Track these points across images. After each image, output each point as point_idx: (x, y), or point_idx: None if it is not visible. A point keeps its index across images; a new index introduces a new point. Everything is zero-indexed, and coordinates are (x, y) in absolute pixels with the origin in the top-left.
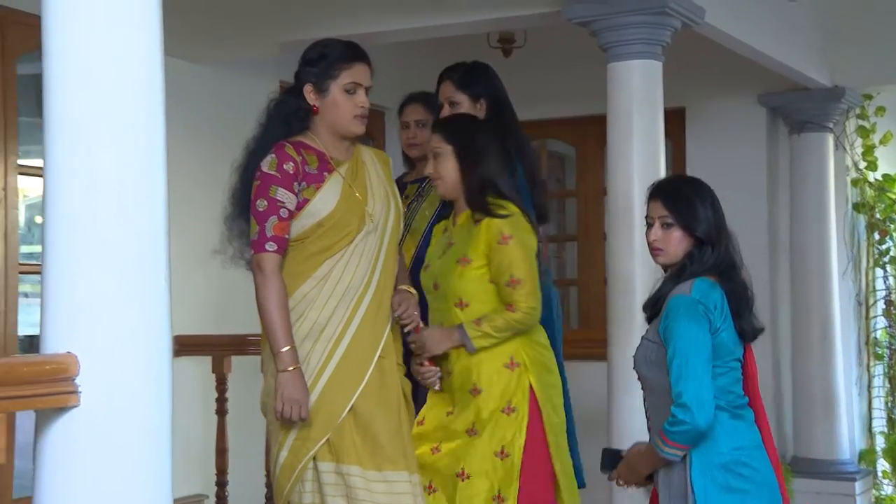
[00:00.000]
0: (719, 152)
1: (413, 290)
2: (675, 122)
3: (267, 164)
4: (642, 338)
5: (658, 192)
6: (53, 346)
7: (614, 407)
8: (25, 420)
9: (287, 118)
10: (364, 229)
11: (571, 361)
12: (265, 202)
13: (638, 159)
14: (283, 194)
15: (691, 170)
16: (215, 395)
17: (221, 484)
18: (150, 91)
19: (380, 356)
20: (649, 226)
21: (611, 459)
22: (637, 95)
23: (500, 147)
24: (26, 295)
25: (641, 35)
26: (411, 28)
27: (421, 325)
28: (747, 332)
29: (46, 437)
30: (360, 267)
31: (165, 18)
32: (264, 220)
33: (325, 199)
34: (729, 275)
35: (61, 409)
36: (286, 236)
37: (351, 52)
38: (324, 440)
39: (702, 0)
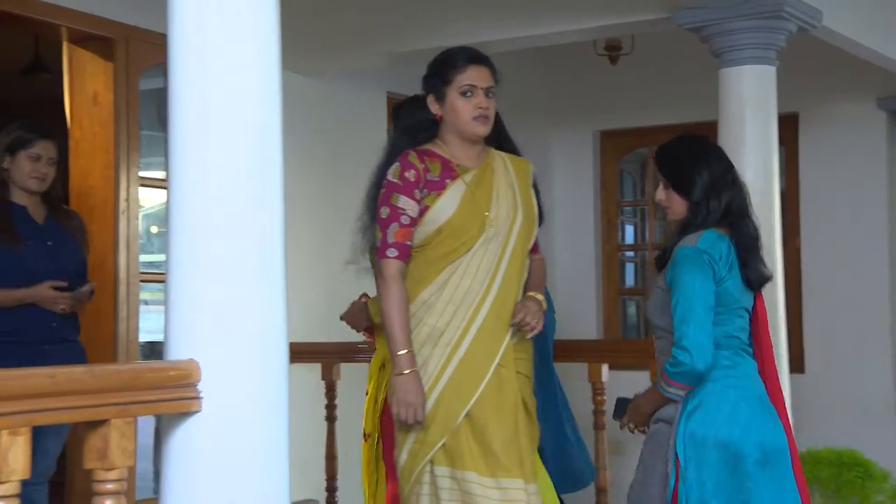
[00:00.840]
0: (835, 158)
1: (540, 297)
2: (788, 128)
3: (391, 173)
4: (653, 285)
5: (656, 156)
6: (176, 352)
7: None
8: (144, 423)
9: (412, 130)
10: (483, 236)
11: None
12: (388, 209)
13: (750, 167)
14: (404, 202)
15: (805, 177)
16: (325, 401)
17: (331, 489)
18: (268, 105)
19: (498, 364)
20: (656, 187)
21: (621, 407)
22: (750, 101)
23: None
24: (146, 302)
25: (755, 40)
26: (520, 37)
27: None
28: (754, 281)
29: (171, 441)
30: (479, 274)
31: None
32: (386, 226)
33: (445, 206)
34: (738, 225)
35: (184, 414)
36: (408, 243)
37: (464, 56)
38: (440, 444)
39: (818, 2)
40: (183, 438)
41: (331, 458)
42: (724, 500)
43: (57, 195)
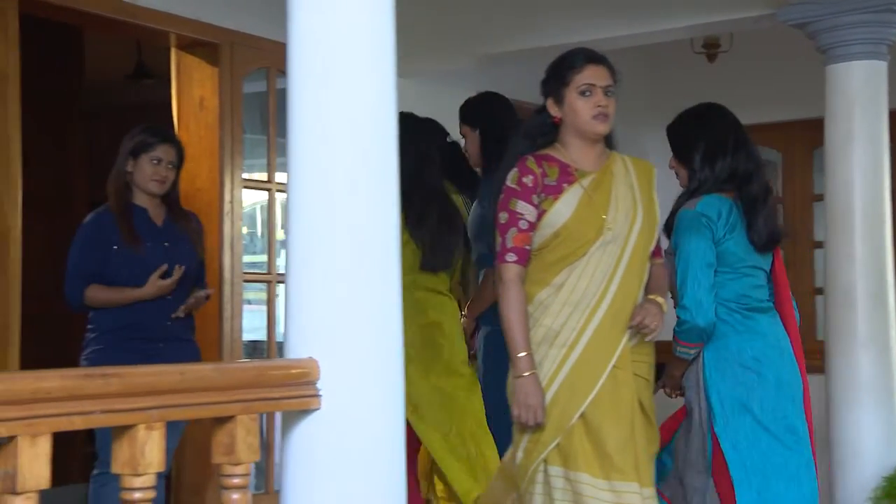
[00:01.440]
0: None
1: (661, 301)
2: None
3: (510, 178)
4: (665, 252)
5: (667, 130)
6: (295, 351)
7: (837, 423)
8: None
9: (531, 134)
10: (601, 239)
11: None
12: (506, 214)
13: (859, 164)
14: (522, 206)
15: None
16: None
17: None
18: (385, 109)
19: (615, 366)
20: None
21: (661, 373)
22: (859, 97)
23: None
24: (248, 302)
25: (864, 35)
26: (618, 36)
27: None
28: (756, 241)
29: (291, 438)
30: (597, 276)
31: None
32: (505, 231)
33: (561, 210)
34: (743, 188)
35: (304, 412)
36: (527, 247)
37: (580, 56)
38: (553, 444)
39: None
40: (303, 435)
41: None
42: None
43: (176, 197)
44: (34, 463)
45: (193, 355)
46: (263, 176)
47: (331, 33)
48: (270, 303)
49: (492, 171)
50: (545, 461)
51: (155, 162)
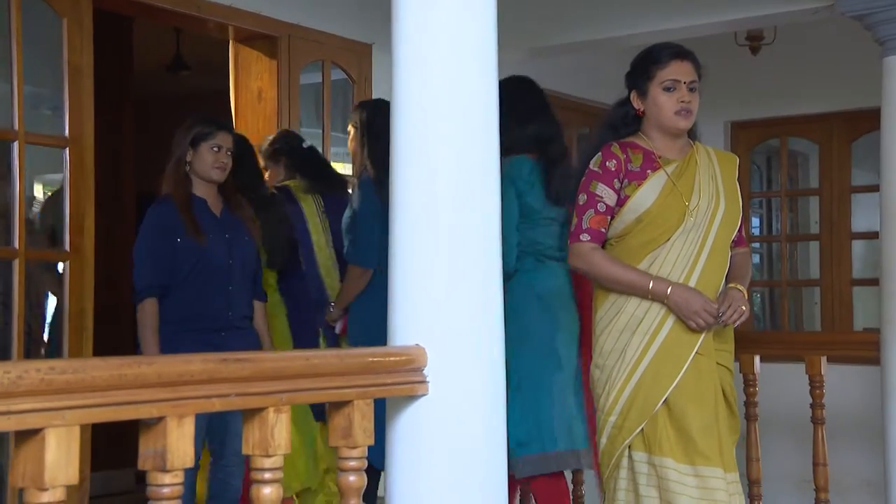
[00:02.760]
0: None
1: (742, 288)
2: None
3: (593, 163)
4: None
5: None
6: (402, 338)
7: (891, 413)
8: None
9: (614, 124)
10: (683, 226)
11: (841, 365)
12: (585, 196)
13: None
14: (602, 189)
15: None
16: None
17: None
18: (486, 99)
19: (697, 353)
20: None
21: None
22: None
23: None
24: None
25: None
26: (668, 29)
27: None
28: (553, 196)
29: (398, 423)
30: (679, 262)
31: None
32: (583, 212)
33: (645, 196)
34: (544, 150)
35: (411, 398)
36: (602, 230)
37: (665, 52)
38: (638, 430)
39: None
40: (410, 420)
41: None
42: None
43: (232, 186)
44: (181, 442)
45: (252, 342)
46: None
47: (433, 34)
48: None
49: (377, 173)
50: (629, 447)
51: (215, 149)
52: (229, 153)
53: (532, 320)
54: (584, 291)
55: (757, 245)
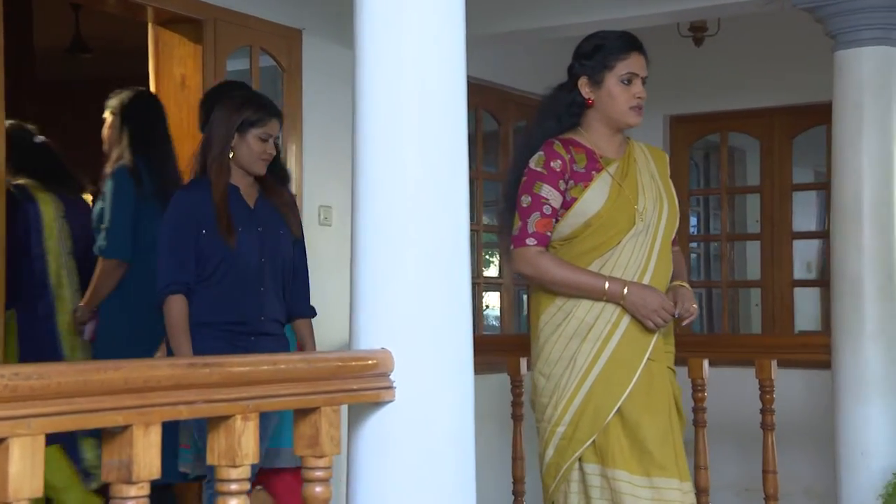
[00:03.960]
0: None
1: (687, 285)
2: None
3: (535, 161)
4: None
5: None
6: (367, 342)
7: (843, 420)
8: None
9: (558, 113)
10: (633, 229)
11: (745, 368)
12: (529, 198)
13: (868, 153)
14: (548, 191)
15: None
16: (510, 398)
17: (518, 493)
18: (454, 95)
19: (649, 359)
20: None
21: None
22: (869, 85)
23: None
24: None
25: (877, 20)
26: (614, 19)
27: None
28: None
29: (362, 430)
30: (630, 267)
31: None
32: (527, 215)
33: (593, 199)
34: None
35: (377, 404)
36: (548, 233)
37: (627, 43)
38: (590, 442)
39: None
40: (375, 427)
41: (517, 458)
42: None
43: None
44: (147, 452)
45: (284, 348)
46: None
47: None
48: None
49: (135, 161)
50: (580, 459)
51: (264, 139)
52: (277, 142)
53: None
54: None
55: (695, 245)
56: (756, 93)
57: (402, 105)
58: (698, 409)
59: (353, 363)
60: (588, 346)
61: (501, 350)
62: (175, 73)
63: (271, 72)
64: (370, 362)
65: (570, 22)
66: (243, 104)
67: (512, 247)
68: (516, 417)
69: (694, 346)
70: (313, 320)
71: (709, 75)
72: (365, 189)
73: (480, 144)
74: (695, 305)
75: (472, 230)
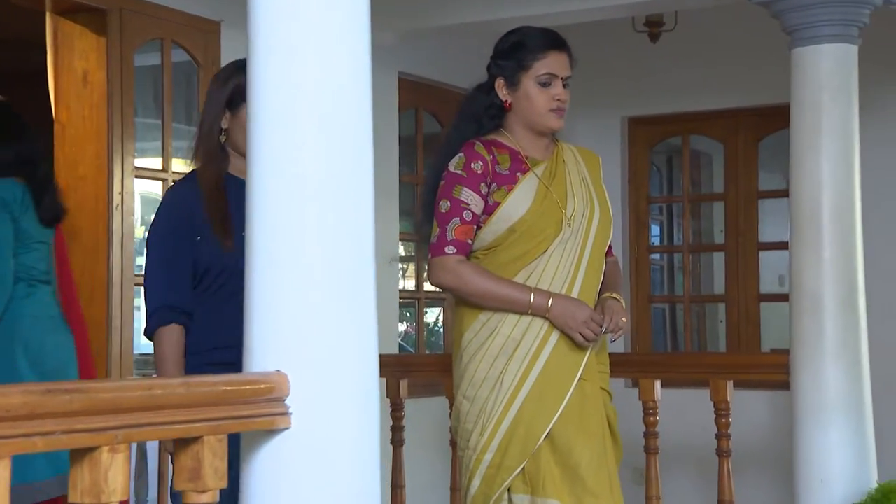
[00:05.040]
0: None
1: (619, 297)
2: None
3: (454, 164)
4: None
5: None
6: (260, 364)
7: (802, 444)
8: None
9: (477, 116)
10: (561, 235)
11: (701, 389)
12: (448, 203)
13: (829, 159)
14: (468, 195)
15: (865, 172)
16: (390, 422)
17: None
18: (357, 91)
19: (581, 378)
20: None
21: None
22: (828, 85)
23: None
24: (139, 309)
25: (835, 15)
26: (558, 12)
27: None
28: (46, 218)
29: (255, 461)
30: (558, 277)
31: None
32: (446, 222)
33: (518, 203)
34: (30, 172)
35: (270, 432)
36: (468, 241)
37: (543, 40)
38: (519, 469)
39: None
40: (269, 457)
41: (397, 487)
42: None
43: None
44: None
45: None
46: (158, 163)
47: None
48: None
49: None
50: (509, 489)
51: None
52: None
53: (28, 346)
54: (76, 315)
55: (657, 256)
56: (719, 93)
57: (300, 104)
58: (650, 435)
59: (243, 387)
60: (515, 364)
61: (441, 371)
62: (76, 68)
63: (185, 67)
64: (263, 386)
65: (516, 15)
66: (233, 73)
67: (429, 256)
68: (455, 444)
69: (644, 365)
70: None
71: (668, 74)
72: (258, 196)
73: (421, 147)
74: (625, 320)
75: (412, 241)
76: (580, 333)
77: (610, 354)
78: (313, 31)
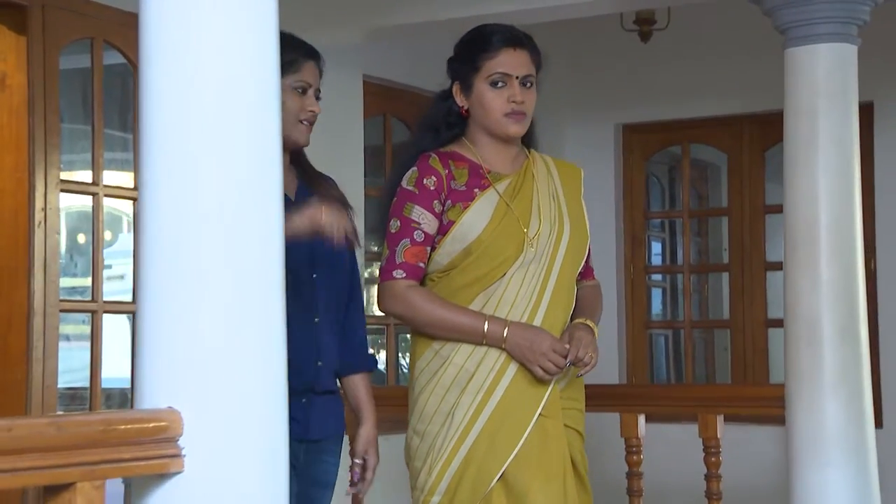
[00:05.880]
0: None
1: (591, 324)
2: (861, 120)
3: (406, 179)
4: None
5: None
6: (151, 400)
7: (799, 484)
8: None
9: (436, 125)
10: (522, 257)
11: (741, 424)
12: (398, 222)
13: (824, 169)
14: (419, 213)
15: (882, 182)
16: None
17: None
18: (264, 96)
19: (542, 414)
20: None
21: None
22: (825, 88)
23: None
24: (67, 338)
25: (832, 12)
26: (534, 9)
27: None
28: None
29: None
30: (518, 303)
31: None
32: (395, 243)
33: (474, 222)
34: None
35: (162, 476)
36: (420, 264)
37: (495, 36)
38: None
39: None
40: None
41: None
42: None
43: (304, 153)
44: None
45: (340, 419)
46: (87, 176)
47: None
48: (96, 338)
49: None
50: None
51: (299, 90)
52: (319, 95)
53: None
54: None
55: (659, 277)
56: (720, 97)
57: (197, 109)
58: (633, 475)
59: (126, 427)
60: (468, 397)
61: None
62: None
63: (120, 70)
64: (151, 425)
65: (491, 12)
66: None
67: (379, 280)
68: None
69: (626, 398)
70: None
71: (663, 77)
72: (148, 211)
73: (389, 157)
74: (592, 354)
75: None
76: (540, 366)
77: (587, 386)
78: (212, 26)
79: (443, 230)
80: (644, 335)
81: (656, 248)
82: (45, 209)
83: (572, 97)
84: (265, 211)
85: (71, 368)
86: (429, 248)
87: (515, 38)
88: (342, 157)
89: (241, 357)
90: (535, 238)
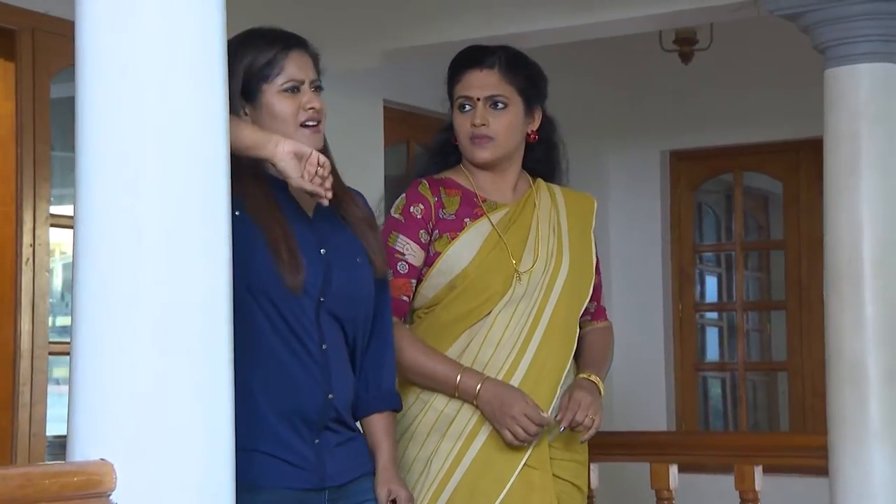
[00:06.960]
0: None
1: (596, 380)
2: None
3: (394, 207)
4: None
5: None
6: (83, 451)
7: None
8: None
9: (431, 152)
10: (510, 293)
11: (782, 475)
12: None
13: (867, 199)
14: (403, 244)
15: None
16: None
17: None
18: (211, 112)
19: (527, 465)
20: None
21: None
22: (867, 110)
23: None
24: (58, 382)
25: (875, 30)
26: (556, 29)
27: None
28: None
29: None
30: (505, 343)
31: (253, 21)
32: None
33: (460, 253)
34: None
35: None
36: (404, 297)
37: (460, 59)
38: None
39: None
40: None
41: None
42: None
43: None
44: None
45: (364, 460)
46: None
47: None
48: None
49: None
50: None
51: (290, 90)
52: (316, 87)
53: None
54: None
55: (714, 315)
56: (773, 122)
57: (135, 128)
58: None
59: (49, 481)
60: (447, 444)
61: None
62: None
63: None
64: (77, 479)
65: (509, 32)
66: (234, 55)
67: None
68: None
69: (656, 447)
70: None
71: (710, 100)
72: (84, 238)
73: None
74: (593, 416)
75: None
76: (509, 430)
77: (613, 433)
78: (153, 40)
79: (429, 262)
80: (694, 378)
81: (711, 283)
82: (33, 245)
83: (613, 123)
84: (210, 240)
85: (61, 415)
86: (414, 281)
87: (477, 58)
88: (360, 186)
89: (181, 403)
90: (526, 273)
